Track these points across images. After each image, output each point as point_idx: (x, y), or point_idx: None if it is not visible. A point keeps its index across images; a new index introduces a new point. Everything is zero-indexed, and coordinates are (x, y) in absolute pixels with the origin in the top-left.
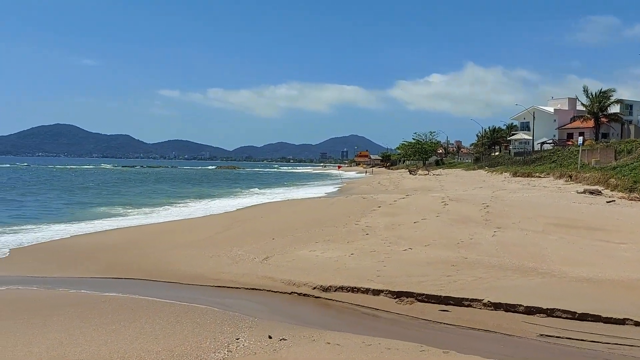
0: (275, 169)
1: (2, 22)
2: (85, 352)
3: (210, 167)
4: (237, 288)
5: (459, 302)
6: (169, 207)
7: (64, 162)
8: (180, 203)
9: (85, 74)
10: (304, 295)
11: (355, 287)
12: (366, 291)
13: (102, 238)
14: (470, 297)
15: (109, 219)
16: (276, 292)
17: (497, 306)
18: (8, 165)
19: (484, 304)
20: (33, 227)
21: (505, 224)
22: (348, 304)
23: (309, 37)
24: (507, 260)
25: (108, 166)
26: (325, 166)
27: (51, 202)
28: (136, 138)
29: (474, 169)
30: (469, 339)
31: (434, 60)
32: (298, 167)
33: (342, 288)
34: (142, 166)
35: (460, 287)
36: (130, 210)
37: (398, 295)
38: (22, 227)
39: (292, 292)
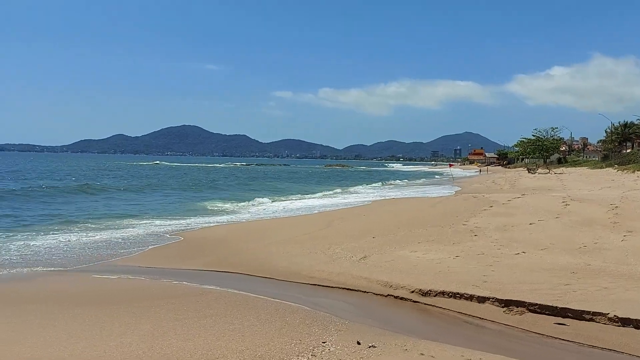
0: (384, 168)
1: (137, 38)
2: (171, 347)
3: (319, 166)
4: (331, 287)
5: (578, 315)
6: (276, 202)
7: (192, 160)
8: (286, 199)
9: (208, 79)
10: (401, 298)
11: (458, 293)
12: (470, 298)
13: (208, 232)
14: (593, 310)
15: (214, 216)
16: (371, 293)
17: (625, 322)
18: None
19: (610, 319)
20: (152, 221)
21: (637, 228)
22: (449, 310)
23: (419, 32)
24: (639, 268)
25: (238, 164)
26: (436, 164)
27: (175, 197)
28: (252, 138)
29: (601, 167)
30: (589, 359)
31: (556, 51)
32: (408, 166)
33: (443, 293)
34: (256, 164)
35: (580, 297)
36: (240, 205)
37: (507, 304)
38: (141, 222)
39: (388, 295)
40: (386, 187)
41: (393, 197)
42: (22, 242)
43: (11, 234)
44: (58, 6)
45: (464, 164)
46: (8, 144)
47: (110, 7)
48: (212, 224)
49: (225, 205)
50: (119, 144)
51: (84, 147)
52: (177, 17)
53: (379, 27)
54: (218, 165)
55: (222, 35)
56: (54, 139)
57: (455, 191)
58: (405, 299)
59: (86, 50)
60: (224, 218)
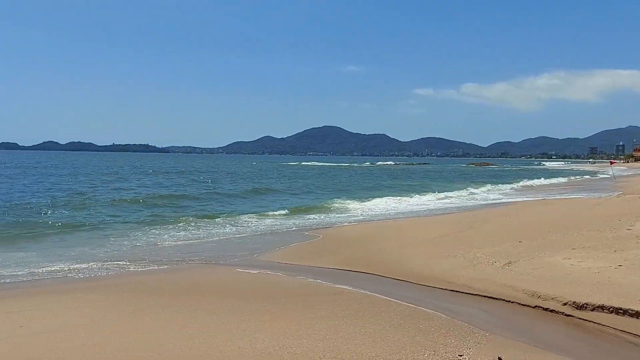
0: (534, 166)
1: (284, 45)
2: (301, 347)
3: (462, 165)
4: (469, 294)
5: None
6: (414, 199)
7: (333, 160)
8: (422, 196)
9: (348, 79)
10: (551, 311)
11: (621, 308)
12: (636, 314)
13: (345, 231)
14: None
15: (350, 214)
16: (516, 303)
17: None
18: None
19: None
20: (290, 218)
21: None
22: (608, 328)
23: (572, 18)
24: None
25: (389, 163)
26: (594, 162)
27: (317, 195)
28: (391, 137)
29: None
30: None
31: None
32: (561, 163)
33: (602, 307)
34: (396, 163)
35: None
36: (377, 202)
37: None
38: (285, 220)
39: (535, 306)
40: (534, 185)
41: (543, 197)
42: (183, 233)
43: (174, 226)
44: (208, 17)
45: (628, 162)
46: (173, 146)
47: (259, 17)
48: (351, 223)
49: (365, 204)
50: (267, 145)
51: (236, 148)
52: (318, 24)
53: (526, 15)
54: (355, 165)
55: (361, 37)
56: (211, 141)
57: (618, 192)
58: (556, 312)
59: (235, 58)
60: (361, 216)
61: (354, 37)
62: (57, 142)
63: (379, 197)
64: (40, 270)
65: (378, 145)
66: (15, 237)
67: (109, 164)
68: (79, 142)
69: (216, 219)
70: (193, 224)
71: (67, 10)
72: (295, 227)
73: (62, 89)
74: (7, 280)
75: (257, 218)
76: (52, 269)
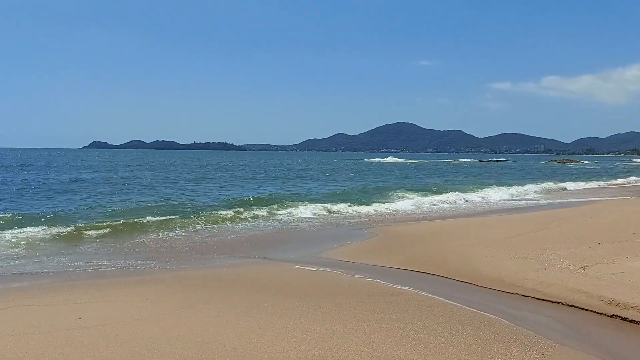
0: (627, 162)
1: (355, 41)
2: (347, 350)
3: (542, 162)
4: (538, 299)
5: None
6: (486, 196)
7: (407, 156)
8: (492, 193)
9: (422, 75)
10: (630, 321)
11: None
12: None
13: (406, 228)
14: None
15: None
16: (590, 311)
17: None
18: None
19: None
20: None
21: None
22: None
23: None
24: None
25: (464, 160)
26: None
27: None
28: (467, 133)
29: None
30: None
31: None
32: None
33: None
34: (471, 160)
35: None
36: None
37: None
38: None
39: (612, 315)
40: (620, 184)
41: (630, 196)
42: (254, 224)
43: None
44: (279, 18)
45: None
46: (249, 144)
47: (330, 14)
48: (417, 220)
49: (432, 198)
50: (340, 143)
51: (309, 145)
52: (391, 19)
53: (613, 2)
54: (424, 161)
55: (435, 30)
56: (285, 138)
57: None
58: (637, 323)
59: (308, 57)
60: (425, 212)
61: (427, 31)
62: (143, 141)
63: (445, 192)
64: (107, 263)
65: (453, 141)
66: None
67: (216, 162)
68: (162, 140)
69: (278, 211)
70: (268, 218)
71: (150, 15)
72: (361, 222)
73: (147, 91)
74: (76, 271)
75: (326, 212)
76: (123, 262)
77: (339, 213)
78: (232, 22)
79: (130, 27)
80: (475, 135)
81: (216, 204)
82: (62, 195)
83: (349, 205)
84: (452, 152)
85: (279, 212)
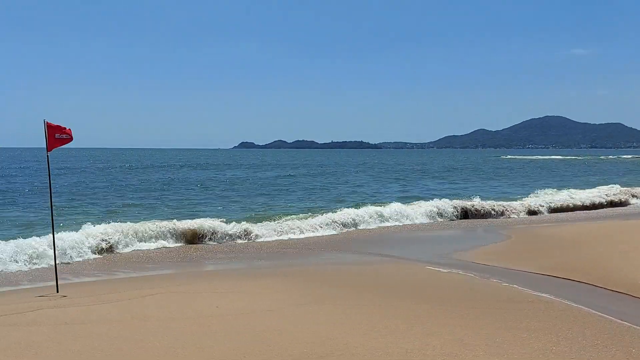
0: None
1: (490, 31)
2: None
3: None
4: None
5: None
6: None
7: (556, 153)
8: None
9: (575, 64)
10: None
11: None
12: None
13: (542, 231)
14: None
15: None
16: None
17: None
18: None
19: None
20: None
21: None
22: None
23: None
24: None
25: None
26: None
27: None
28: (629, 126)
29: None
30: None
31: None
32: None
33: None
34: (633, 156)
35: None
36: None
37: None
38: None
39: None
40: None
41: None
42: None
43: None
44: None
45: None
46: (385, 142)
47: (465, 3)
48: (557, 222)
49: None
50: (480, 139)
51: (447, 142)
52: (539, 6)
53: None
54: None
55: (590, 16)
56: (421, 136)
57: None
58: None
59: (446, 50)
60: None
61: (581, 17)
62: (285, 141)
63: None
64: (242, 256)
65: (612, 135)
66: None
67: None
68: (302, 140)
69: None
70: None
71: (293, 25)
72: (495, 223)
73: (289, 95)
74: (216, 261)
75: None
76: (257, 255)
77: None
78: (373, 25)
79: (275, 38)
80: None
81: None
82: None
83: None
84: (610, 148)
85: None
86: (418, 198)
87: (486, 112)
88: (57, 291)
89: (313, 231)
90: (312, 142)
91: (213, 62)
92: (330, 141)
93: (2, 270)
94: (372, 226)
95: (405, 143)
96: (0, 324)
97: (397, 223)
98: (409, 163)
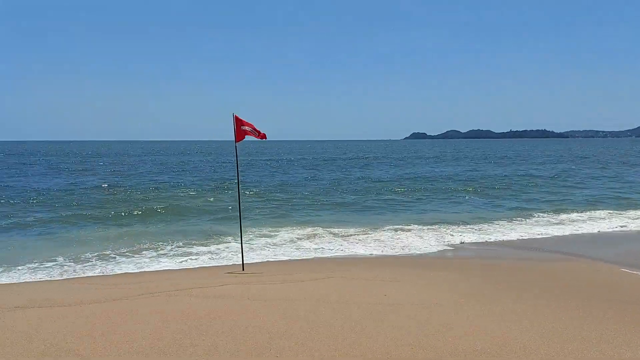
0: None
1: None
2: None
3: None
4: None
5: None
6: None
7: None
8: None
9: None
10: None
11: None
12: None
13: None
14: None
15: None
16: None
17: None
18: None
19: None
20: None
21: None
22: None
23: None
24: None
25: None
26: None
27: None
28: None
29: None
30: None
31: None
32: None
33: None
34: None
35: None
36: None
37: None
38: None
39: None
40: None
41: None
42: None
43: None
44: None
45: None
46: (572, 131)
47: None
48: None
49: None
50: None
51: None
52: None
53: None
54: None
55: None
56: (616, 122)
57: None
58: None
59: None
60: None
61: None
62: (458, 131)
63: None
64: (416, 245)
65: None
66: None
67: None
68: (477, 129)
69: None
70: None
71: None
72: None
73: (461, 83)
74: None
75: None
76: (429, 245)
77: None
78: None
79: (452, 26)
80: None
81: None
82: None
83: None
84: None
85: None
86: None
87: None
88: (243, 268)
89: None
90: (488, 131)
91: (385, 52)
92: (508, 130)
93: (198, 250)
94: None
95: (597, 132)
96: (195, 296)
97: None
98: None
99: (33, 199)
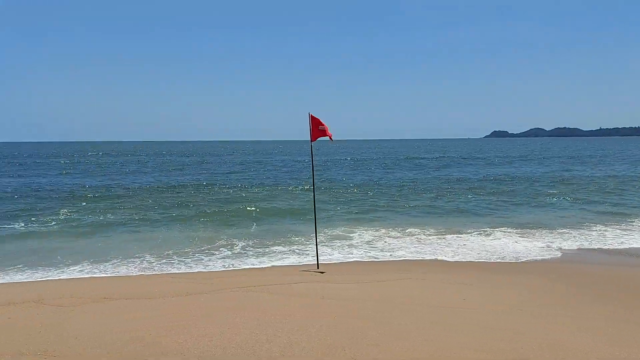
0: None
1: None
2: None
3: None
4: None
5: None
6: None
7: None
8: None
9: None
10: None
11: None
12: None
13: None
14: None
15: None
16: None
17: None
18: None
19: None
20: None
21: None
22: None
23: None
24: None
25: None
26: None
27: None
28: None
29: None
30: None
31: None
32: None
33: None
34: None
35: None
36: None
37: None
38: None
39: None
40: None
41: None
42: None
43: None
44: None
45: None
46: None
47: None
48: None
49: None
50: None
51: None
52: None
53: None
54: None
55: None
56: None
57: None
58: None
59: None
60: None
61: None
62: (542, 129)
63: None
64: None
65: None
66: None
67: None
68: (564, 127)
69: None
70: None
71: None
72: None
73: (547, 76)
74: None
75: None
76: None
77: None
78: None
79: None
80: None
81: None
82: None
83: None
84: None
85: None
86: None
87: None
88: (317, 267)
89: None
90: (576, 129)
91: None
92: (598, 128)
93: (274, 249)
94: None
95: None
96: (270, 293)
97: None
98: None
99: (141, 197)
